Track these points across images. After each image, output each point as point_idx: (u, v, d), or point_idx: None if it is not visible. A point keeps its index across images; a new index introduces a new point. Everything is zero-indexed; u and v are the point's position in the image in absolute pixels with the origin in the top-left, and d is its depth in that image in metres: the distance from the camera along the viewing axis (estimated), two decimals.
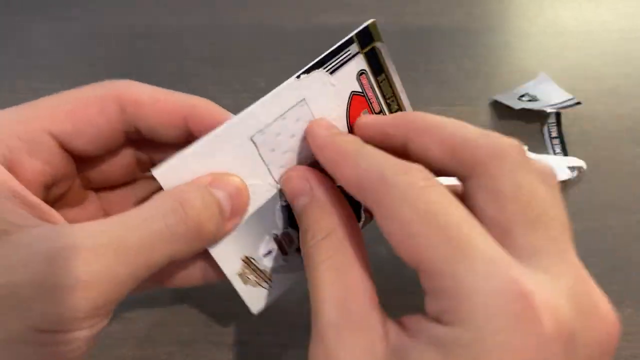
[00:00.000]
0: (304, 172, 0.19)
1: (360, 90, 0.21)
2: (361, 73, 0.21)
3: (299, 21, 0.40)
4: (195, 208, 0.17)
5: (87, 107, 0.18)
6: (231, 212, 0.18)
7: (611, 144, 0.33)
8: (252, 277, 0.21)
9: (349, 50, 0.20)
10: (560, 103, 0.34)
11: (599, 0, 0.42)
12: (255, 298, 0.22)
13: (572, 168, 0.31)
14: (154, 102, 0.19)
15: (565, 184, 0.31)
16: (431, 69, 0.37)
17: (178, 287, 0.21)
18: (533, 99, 0.34)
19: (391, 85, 0.22)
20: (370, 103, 0.21)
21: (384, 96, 0.22)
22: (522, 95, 0.35)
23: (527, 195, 0.16)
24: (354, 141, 0.18)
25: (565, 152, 0.33)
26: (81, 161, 0.20)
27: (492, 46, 0.39)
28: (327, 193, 0.18)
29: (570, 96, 0.34)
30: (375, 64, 0.21)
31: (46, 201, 0.18)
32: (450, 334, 0.14)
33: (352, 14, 0.41)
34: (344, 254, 0.17)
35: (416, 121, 0.18)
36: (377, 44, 0.21)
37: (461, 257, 0.14)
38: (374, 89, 0.21)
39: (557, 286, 0.14)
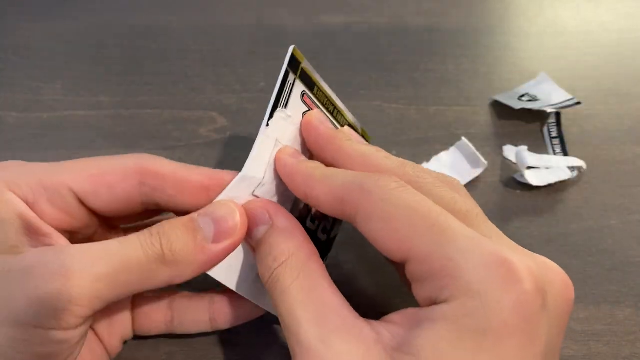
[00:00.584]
0: (262, 203, 0.20)
1: (308, 109, 0.23)
2: (303, 94, 0.23)
3: (299, 21, 0.40)
4: (170, 236, 0.18)
5: (108, 174, 0.20)
6: (215, 235, 0.19)
7: (611, 144, 0.33)
8: None
9: (289, 81, 0.22)
10: (560, 103, 0.34)
11: (598, 1, 0.42)
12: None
13: (572, 168, 0.32)
14: (175, 175, 0.21)
15: (565, 184, 0.31)
16: (431, 69, 0.37)
17: (187, 332, 0.24)
18: (533, 99, 0.34)
19: (324, 93, 0.24)
20: None
21: (323, 104, 0.24)
22: (522, 95, 0.35)
23: (451, 202, 0.18)
24: (319, 165, 0.20)
25: (565, 152, 0.33)
26: (104, 218, 0.22)
27: (492, 46, 0.39)
28: (285, 220, 0.20)
29: (570, 96, 0.34)
30: (308, 81, 0.23)
31: (71, 242, 0.21)
32: (454, 308, 0.15)
33: (352, 14, 0.41)
34: (309, 273, 0.18)
35: (346, 152, 0.21)
36: (303, 64, 0.23)
37: (445, 239, 0.16)
38: (315, 102, 0.23)
39: (521, 252, 0.17)
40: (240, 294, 0.22)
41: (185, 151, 0.33)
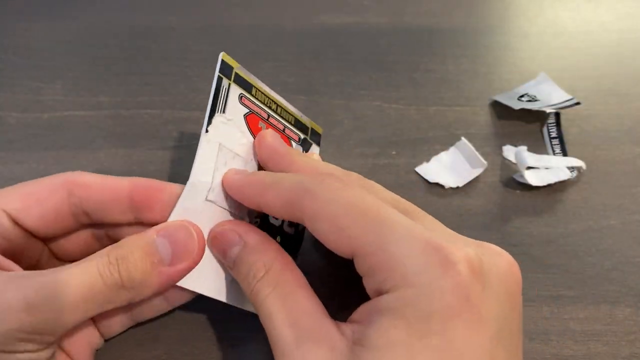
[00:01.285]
0: (229, 225, 0.21)
1: (248, 110, 0.24)
2: (241, 97, 0.23)
3: (299, 21, 0.40)
4: (128, 262, 0.19)
5: (38, 191, 0.21)
6: (172, 258, 0.20)
7: (611, 144, 0.33)
8: None
9: (223, 87, 0.23)
10: (560, 103, 0.34)
11: (598, 1, 0.42)
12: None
13: (571, 168, 0.32)
14: (100, 182, 0.22)
15: (564, 184, 0.31)
16: (431, 69, 0.37)
17: (149, 318, 0.24)
18: (533, 99, 0.34)
19: (263, 93, 0.25)
20: (259, 115, 0.25)
21: (264, 103, 0.25)
22: (522, 96, 0.35)
23: (393, 201, 0.20)
24: (266, 174, 0.21)
25: (564, 152, 0.33)
26: (42, 239, 0.22)
27: (492, 46, 0.39)
28: (256, 236, 0.21)
29: (570, 96, 0.34)
30: (244, 84, 0.24)
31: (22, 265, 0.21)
32: (395, 298, 0.16)
33: (352, 14, 0.41)
34: (284, 283, 0.19)
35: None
36: (236, 69, 0.23)
37: (384, 231, 0.17)
38: (255, 103, 0.24)
39: (460, 240, 0.18)
40: (221, 300, 0.22)
41: (185, 151, 0.33)
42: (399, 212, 0.18)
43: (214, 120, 0.22)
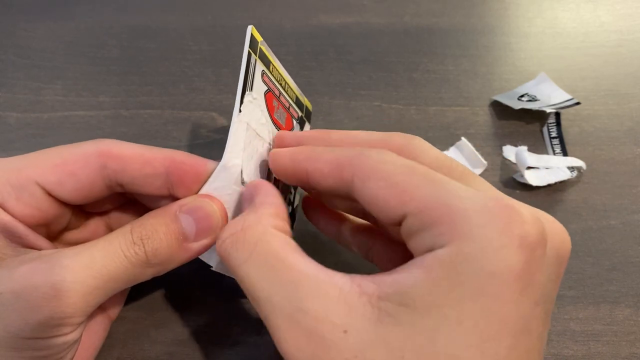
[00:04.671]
0: (255, 182, 0.21)
1: (267, 88, 0.23)
2: (263, 74, 0.23)
3: (299, 21, 0.40)
4: (153, 240, 0.19)
5: (70, 163, 0.20)
6: (197, 234, 0.20)
7: (611, 144, 0.33)
8: None
9: (251, 63, 0.22)
10: (560, 103, 0.34)
11: (597, 1, 0.42)
12: None
13: (571, 168, 0.32)
14: (137, 155, 0.21)
15: (564, 184, 0.32)
16: (431, 69, 0.37)
17: None
18: (533, 99, 0.34)
19: (277, 69, 0.25)
20: (274, 93, 0.24)
21: (277, 80, 0.24)
22: (522, 95, 0.35)
23: (447, 162, 0.19)
24: (314, 147, 0.21)
25: (564, 152, 0.33)
26: (74, 205, 0.22)
27: (492, 46, 0.39)
28: (262, 197, 0.20)
29: (570, 96, 0.34)
30: (265, 60, 0.23)
31: (49, 233, 0.22)
32: (451, 252, 0.15)
33: (352, 14, 0.41)
34: (267, 243, 0.17)
35: (336, 136, 0.21)
36: (260, 43, 0.23)
37: (445, 190, 0.16)
38: (272, 80, 0.24)
39: (522, 203, 0.17)
40: (219, 271, 0.22)
41: (185, 151, 0.33)
42: (452, 173, 0.18)
43: (245, 100, 0.21)
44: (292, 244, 0.18)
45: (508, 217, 0.15)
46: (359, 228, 0.24)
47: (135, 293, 0.27)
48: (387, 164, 0.17)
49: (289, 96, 0.26)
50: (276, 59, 0.24)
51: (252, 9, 0.41)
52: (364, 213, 0.24)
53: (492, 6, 0.42)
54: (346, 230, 0.24)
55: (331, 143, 0.21)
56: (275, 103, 0.24)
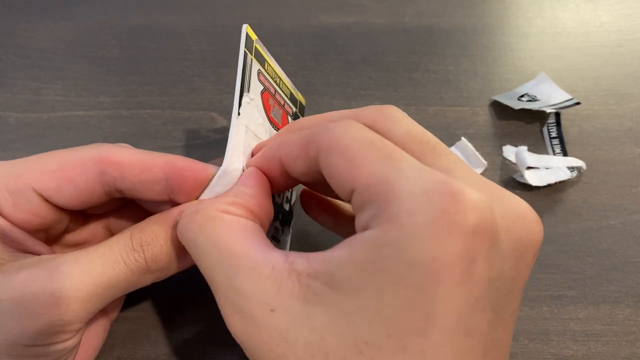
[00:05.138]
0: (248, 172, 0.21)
1: (263, 87, 0.23)
2: (259, 73, 0.22)
3: (299, 21, 0.40)
4: (153, 248, 0.19)
5: (69, 169, 0.20)
6: None
7: (611, 144, 0.33)
8: None
9: (248, 63, 0.21)
10: (560, 103, 0.34)
11: (597, 1, 0.42)
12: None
13: (571, 168, 0.32)
14: (136, 161, 0.20)
15: (564, 184, 0.32)
16: (431, 69, 0.37)
17: None
18: (533, 99, 0.34)
19: (272, 67, 0.24)
20: (270, 91, 0.24)
21: (272, 78, 0.24)
22: (522, 95, 0.35)
23: (418, 135, 0.18)
24: (284, 134, 0.21)
25: (564, 152, 0.33)
26: (72, 211, 0.22)
27: (491, 46, 0.39)
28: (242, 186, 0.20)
29: (570, 96, 0.34)
30: (260, 58, 0.23)
31: (48, 237, 0.22)
32: (377, 235, 0.14)
33: (352, 14, 0.41)
34: (214, 225, 0.17)
35: (308, 121, 0.21)
36: (255, 42, 0.22)
37: (394, 168, 0.15)
38: (267, 78, 0.23)
39: (480, 185, 0.16)
40: None
41: (185, 151, 0.33)
42: (423, 145, 0.17)
43: (243, 102, 0.21)
44: (241, 227, 0.17)
45: (446, 203, 0.14)
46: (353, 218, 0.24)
47: (135, 293, 0.26)
48: (346, 138, 0.16)
49: (284, 92, 0.26)
50: (270, 56, 0.24)
51: (252, 9, 0.41)
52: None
53: (492, 6, 0.42)
54: (341, 221, 0.24)
55: (303, 127, 0.21)
56: (271, 102, 0.24)
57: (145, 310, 0.26)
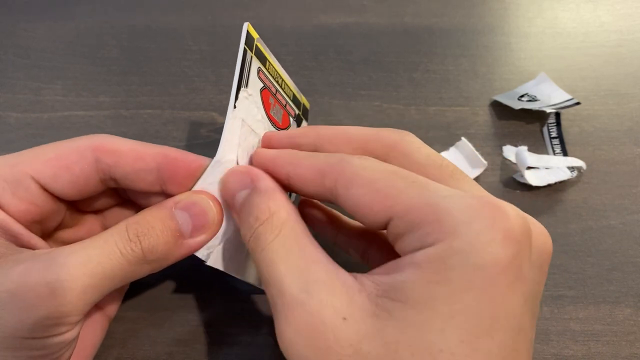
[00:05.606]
0: (245, 169, 0.21)
1: (263, 85, 0.23)
2: (258, 71, 0.23)
3: (299, 21, 0.40)
4: (149, 237, 0.19)
5: (65, 157, 0.21)
6: (193, 230, 0.20)
7: (611, 144, 0.33)
8: None
9: (247, 60, 0.22)
10: (560, 103, 0.34)
11: (597, 1, 0.42)
12: None
13: (571, 168, 0.32)
14: (130, 150, 0.21)
15: (564, 184, 0.32)
16: (431, 69, 0.37)
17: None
18: (533, 99, 0.34)
19: (273, 66, 0.25)
20: (270, 90, 0.24)
21: (273, 77, 0.24)
22: (522, 96, 0.35)
23: (437, 160, 0.19)
24: (299, 150, 0.21)
25: (565, 152, 0.33)
26: (69, 202, 0.22)
27: (492, 46, 0.39)
28: (267, 182, 0.20)
29: (570, 96, 0.34)
30: (261, 57, 0.23)
31: (44, 231, 0.22)
32: (439, 249, 0.15)
33: (352, 14, 0.41)
34: (290, 230, 0.18)
35: (326, 132, 0.21)
36: (256, 40, 0.22)
37: (428, 191, 0.16)
38: (268, 77, 0.24)
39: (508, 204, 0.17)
40: (229, 273, 0.22)
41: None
42: (442, 170, 0.18)
43: (240, 95, 0.21)
44: (308, 231, 0.18)
45: (492, 213, 0.15)
46: (354, 231, 0.24)
47: (134, 293, 0.27)
48: (368, 170, 0.17)
49: (286, 94, 0.26)
50: (272, 56, 0.24)
51: (253, 9, 0.41)
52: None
53: (492, 6, 0.42)
54: (342, 233, 0.24)
55: (320, 140, 0.21)
56: (271, 100, 0.24)
57: (145, 310, 0.26)
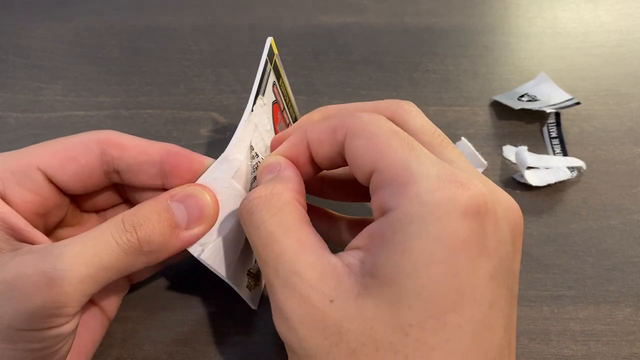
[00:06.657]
0: (281, 159, 0.21)
1: (275, 99, 0.24)
2: (273, 84, 0.24)
3: (299, 22, 0.40)
4: (145, 228, 0.19)
5: (71, 148, 0.21)
6: (188, 222, 0.20)
7: (611, 144, 0.33)
8: (253, 282, 0.25)
9: (267, 71, 0.23)
10: (560, 103, 0.34)
11: (597, 2, 0.42)
12: (254, 296, 0.25)
13: (571, 168, 0.32)
14: (135, 144, 0.22)
15: (564, 184, 0.32)
16: (431, 69, 0.37)
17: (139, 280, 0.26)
18: (533, 99, 0.34)
19: (285, 85, 0.26)
20: (279, 105, 0.25)
21: (283, 96, 0.26)
22: (522, 95, 0.35)
23: (430, 129, 0.21)
24: (310, 120, 0.23)
25: (564, 152, 0.33)
26: (73, 195, 0.23)
27: (492, 46, 0.39)
28: (291, 172, 0.20)
29: (570, 96, 0.34)
30: (277, 72, 0.24)
31: (46, 226, 0.22)
32: (402, 213, 0.16)
33: (352, 14, 0.41)
34: (288, 213, 0.18)
35: (327, 111, 0.24)
36: (276, 56, 0.23)
37: (414, 155, 0.17)
38: (280, 93, 0.25)
39: (473, 174, 0.19)
40: (218, 272, 0.22)
41: None
42: (434, 138, 0.20)
43: (258, 102, 0.22)
44: (307, 218, 0.19)
45: (455, 186, 0.16)
46: (352, 224, 0.24)
47: (135, 293, 0.27)
48: (374, 126, 0.18)
49: (290, 115, 0.27)
50: (285, 76, 0.25)
51: (252, 9, 0.41)
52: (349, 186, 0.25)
53: (492, 6, 0.42)
54: (339, 228, 0.25)
55: (325, 115, 0.23)
56: (279, 115, 0.25)
57: (145, 310, 0.26)
